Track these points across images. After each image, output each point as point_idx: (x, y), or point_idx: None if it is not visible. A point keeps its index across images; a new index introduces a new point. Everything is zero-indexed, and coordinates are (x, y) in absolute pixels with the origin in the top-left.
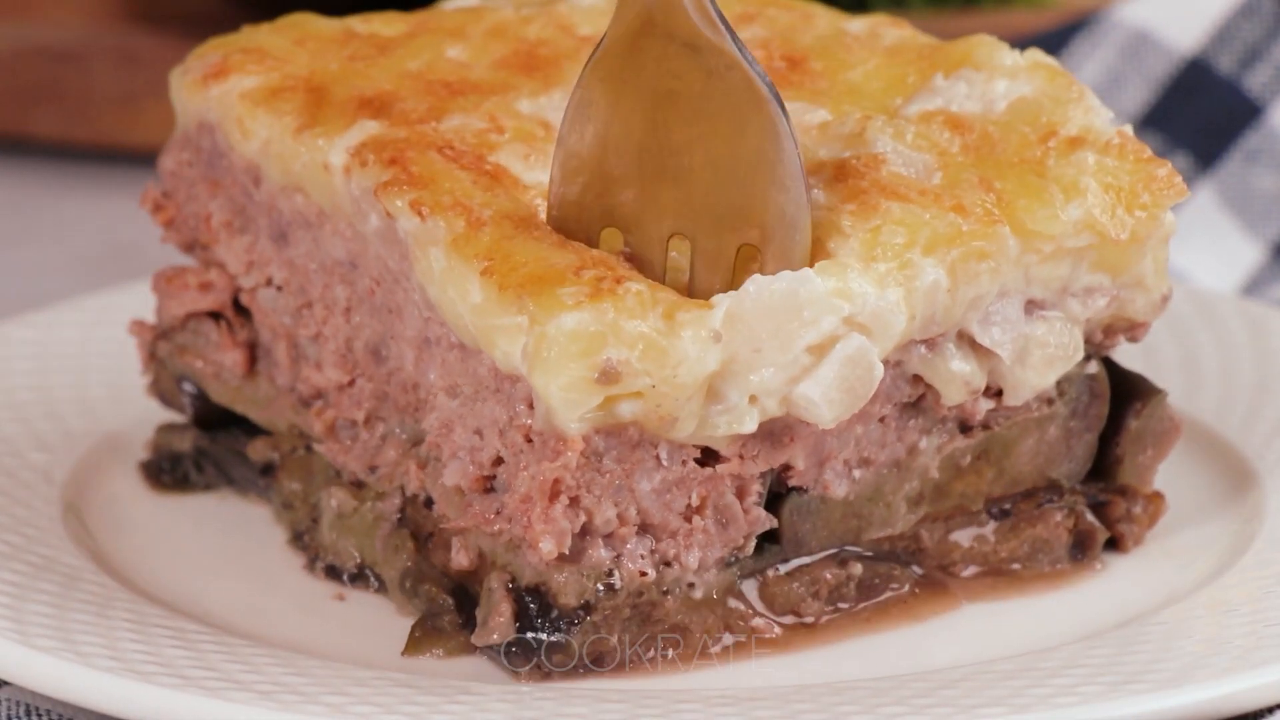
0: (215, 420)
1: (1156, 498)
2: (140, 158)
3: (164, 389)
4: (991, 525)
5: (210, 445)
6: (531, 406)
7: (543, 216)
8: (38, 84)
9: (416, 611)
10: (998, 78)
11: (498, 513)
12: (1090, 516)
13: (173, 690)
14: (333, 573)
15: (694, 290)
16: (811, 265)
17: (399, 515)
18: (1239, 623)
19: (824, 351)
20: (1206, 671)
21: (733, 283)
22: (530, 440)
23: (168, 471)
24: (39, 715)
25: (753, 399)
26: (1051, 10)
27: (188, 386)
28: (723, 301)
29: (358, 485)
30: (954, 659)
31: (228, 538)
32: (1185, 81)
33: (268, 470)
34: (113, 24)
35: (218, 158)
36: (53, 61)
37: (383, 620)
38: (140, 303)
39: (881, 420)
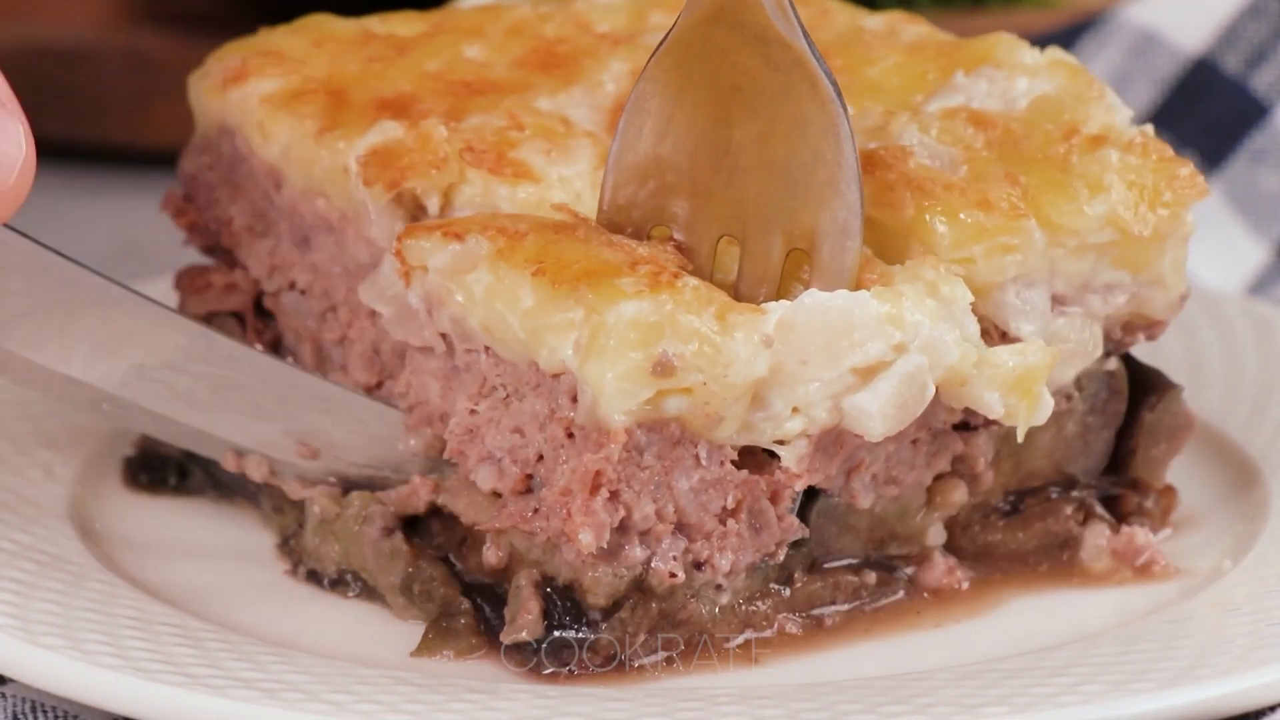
0: None
1: (1169, 491)
2: (149, 159)
3: None
4: (1002, 518)
5: None
6: (575, 400)
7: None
8: (46, 85)
9: (424, 615)
10: (1018, 75)
11: (535, 511)
12: (1100, 510)
13: (177, 688)
14: (314, 578)
15: (739, 293)
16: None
17: (386, 523)
18: (1241, 622)
19: (870, 373)
20: (1209, 670)
21: (780, 288)
22: (571, 435)
23: (145, 472)
24: (44, 712)
25: (795, 410)
26: (1059, 10)
27: None
28: (776, 309)
29: (346, 489)
30: (956, 658)
31: (233, 537)
32: (1192, 81)
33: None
34: (121, 25)
35: (238, 162)
36: (61, 62)
37: (387, 620)
38: None
39: (914, 443)
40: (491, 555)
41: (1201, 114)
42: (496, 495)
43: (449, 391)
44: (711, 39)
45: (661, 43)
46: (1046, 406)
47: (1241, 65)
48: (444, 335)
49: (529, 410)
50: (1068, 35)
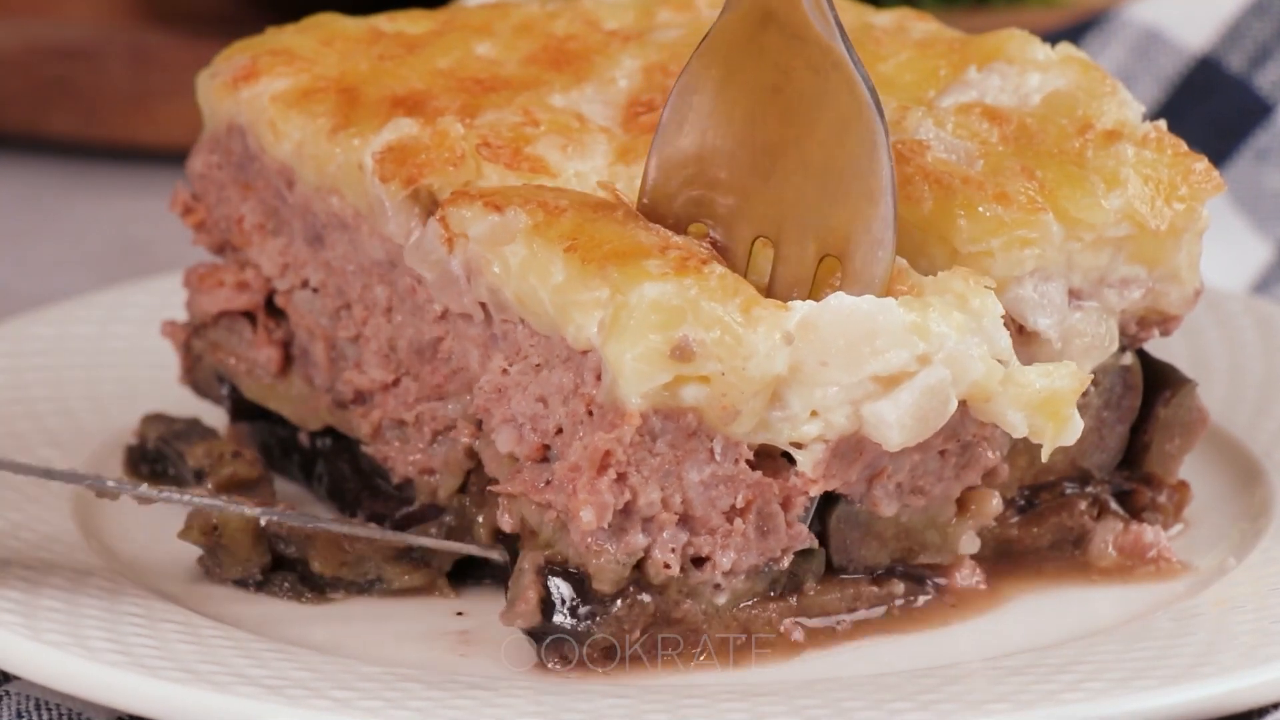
0: (253, 413)
1: (1182, 487)
2: (153, 156)
3: (200, 379)
4: (1017, 514)
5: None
6: (599, 378)
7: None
8: (51, 82)
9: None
10: (1030, 71)
11: (547, 482)
12: (1115, 505)
13: (181, 685)
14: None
15: (771, 295)
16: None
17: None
18: (1245, 619)
19: (892, 382)
20: (1212, 668)
21: (811, 293)
22: (591, 412)
23: (147, 462)
24: (48, 709)
25: (813, 413)
26: (1062, 8)
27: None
28: (800, 307)
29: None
30: (960, 655)
31: None
32: (1196, 80)
33: (199, 476)
34: (126, 23)
35: (249, 160)
36: (66, 60)
37: (389, 617)
38: (153, 300)
39: (942, 454)
40: (505, 522)
41: (1205, 113)
42: (513, 459)
43: (487, 359)
44: (753, 37)
45: (702, 41)
46: (1075, 429)
47: (1245, 64)
48: (482, 304)
49: (556, 381)
50: (1071, 34)
